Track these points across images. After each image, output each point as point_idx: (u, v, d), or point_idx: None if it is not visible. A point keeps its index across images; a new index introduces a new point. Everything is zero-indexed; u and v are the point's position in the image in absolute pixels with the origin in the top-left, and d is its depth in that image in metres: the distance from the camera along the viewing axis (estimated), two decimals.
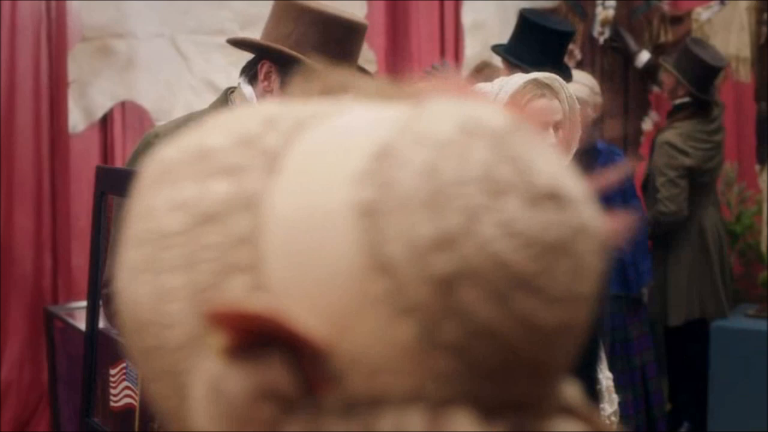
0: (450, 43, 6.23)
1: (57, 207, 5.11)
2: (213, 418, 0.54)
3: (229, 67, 5.31)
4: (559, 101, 2.67)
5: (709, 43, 5.02)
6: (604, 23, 5.48)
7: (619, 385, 4.68)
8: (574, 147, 2.74)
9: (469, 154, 0.55)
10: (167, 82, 5.24)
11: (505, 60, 4.09)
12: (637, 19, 5.48)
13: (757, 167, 5.07)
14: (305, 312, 0.55)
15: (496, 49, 4.25)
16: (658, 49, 5.32)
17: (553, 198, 0.56)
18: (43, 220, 5.10)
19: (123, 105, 5.25)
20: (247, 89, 2.51)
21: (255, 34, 5.51)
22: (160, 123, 4.54)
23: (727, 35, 4.98)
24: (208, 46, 5.32)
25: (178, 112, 5.22)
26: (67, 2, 5.12)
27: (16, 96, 5.02)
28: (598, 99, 4.71)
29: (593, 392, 2.73)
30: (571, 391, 0.61)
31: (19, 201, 5.04)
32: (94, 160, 5.16)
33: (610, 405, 2.81)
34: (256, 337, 0.54)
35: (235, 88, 2.56)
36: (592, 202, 0.59)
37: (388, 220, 0.54)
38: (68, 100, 5.15)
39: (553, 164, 0.58)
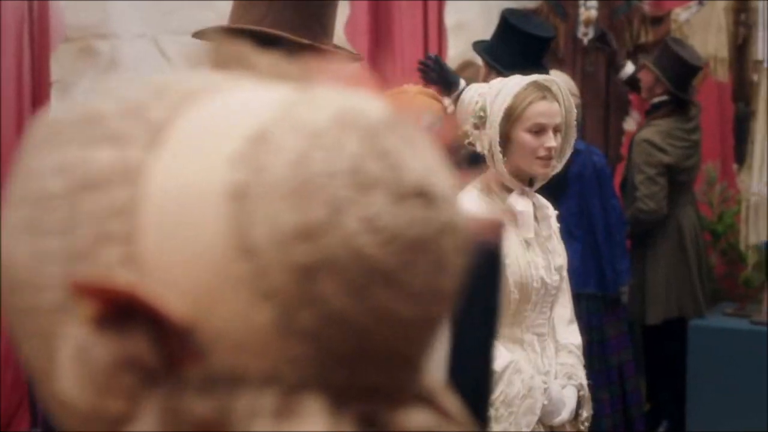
0: (433, 43, 6.24)
1: None
2: (77, 382, 0.56)
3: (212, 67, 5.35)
4: (558, 104, 2.69)
5: (687, 43, 5.06)
6: (587, 23, 5.50)
7: (596, 385, 4.71)
8: (570, 150, 2.77)
9: (341, 147, 0.56)
10: None
11: (483, 59, 4.12)
12: (618, 19, 5.51)
13: (735, 167, 5.10)
14: (173, 287, 0.56)
15: (477, 47, 4.27)
16: (638, 49, 5.35)
17: (420, 195, 0.57)
18: None
19: None
20: None
21: None
22: None
23: (706, 35, 5.02)
24: (191, 46, 5.34)
25: None
26: (50, 3, 5.15)
27: None
28: (576, 100, 4.73)
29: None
30: (433, 381, 0.63)
31: (4, 200, 5.06)
32: None
33: (586, 410, 2.82)
34: (121, 309, 0.55)
35: None
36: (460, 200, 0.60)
37: (257, 204, 0.55)
38: (52, 100, 5.18)
39: (425, 161, 0.58)
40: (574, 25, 5.55)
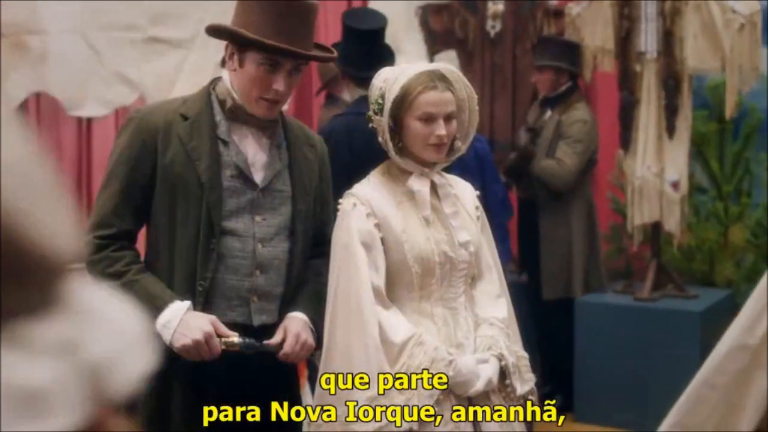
0: None
1: None
2: None
3: (140, 60, 5.70)
4: (453, 92, 2.75)
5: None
6: (494, 17, 5.81)
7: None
8: (473, 131, 2.86)
9: None
10: (78, 75, 5.60)
11: None
12: (524, 13, 5.82)
13: (620, 152, 5.38)
14: None
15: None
16: (541, 41, 5.64)
17: None
18: None
19: (38, 96, 5.62)
20: (224, 72, 2.77)
21: (165, 30, 5.85)
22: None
23: (595, 28, 5.30)
24: (120, 41, 5.67)
25: (90, 103, 5.61)
26: None
27: None
28: None
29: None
30: None
31: None
32: None
33: (521, 384, 2.83)
34: None
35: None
36: None
37: None
38: None
39: None
40: (483, 19, 5.85)
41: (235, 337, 2.62)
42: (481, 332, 2.82)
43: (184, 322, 2.57)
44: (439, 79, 2.74)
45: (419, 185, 2.78)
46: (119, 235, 2.66)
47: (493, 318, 2.86)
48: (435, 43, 6.05)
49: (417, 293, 2.76)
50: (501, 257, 4.91)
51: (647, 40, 5.10)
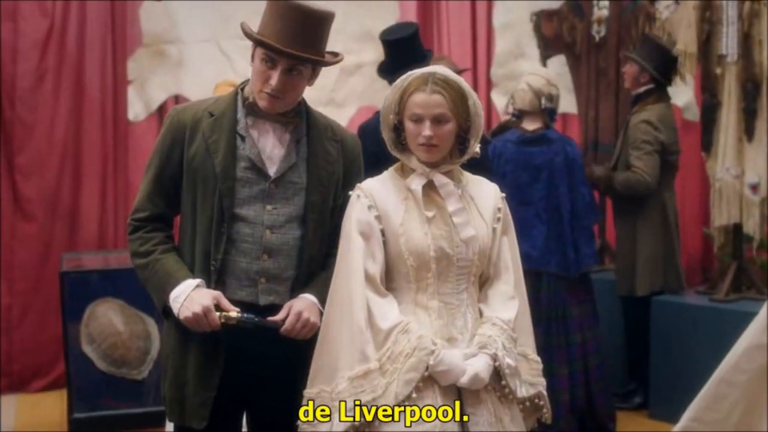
0: (482, 41, 6.82)
1: (118, 181, 6.22)
2: None
3: None
4: (445, 96, 2.82)
5: (660, 37, 5.45)
6: (599, 22, 5.95)
7: (556, 360, 4.99)
8: (479, 135, 2.92)
9: None
10: (212, 79, 6.21)
11: None
12: (626, 17, 5.92)
13: (703, 155, 5.38)
14: None
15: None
16: (643, 38, 5.73)
17: None
18: (107, 191, 6.22)
19: (176, 98, 6.28)
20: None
21: None
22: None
23: (679, 32, 5.33)
24: (248, 48, 6.23)
25: None
26: (129, 14, 6.21)
27: (86, 92, 6.15)
28: (554, 90, 5.09)
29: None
30: None
31: (87, 176, 6.17)
32: (151, 143, 6.24)
33: (521, 386, 2.85)
34: None
35: None
36: None
37: None
38: (129, 95, 6.24)
39: None
40: (589, 24, 6.00)
41: (234, 312, 2.83)
42: (480, 331, 2.86)
43: (190, 297, 2.85)
44: (433, 82, 2.82)
45: (416, 183, 2.88)
46: (152, 218, 3.00)
47: (496, 318, 2.88)
48: (547, 48, 6.24)
49: (414, 285, 2.85)
50: (587, 259, 5.06)
51: (728, 43, 5.10)
